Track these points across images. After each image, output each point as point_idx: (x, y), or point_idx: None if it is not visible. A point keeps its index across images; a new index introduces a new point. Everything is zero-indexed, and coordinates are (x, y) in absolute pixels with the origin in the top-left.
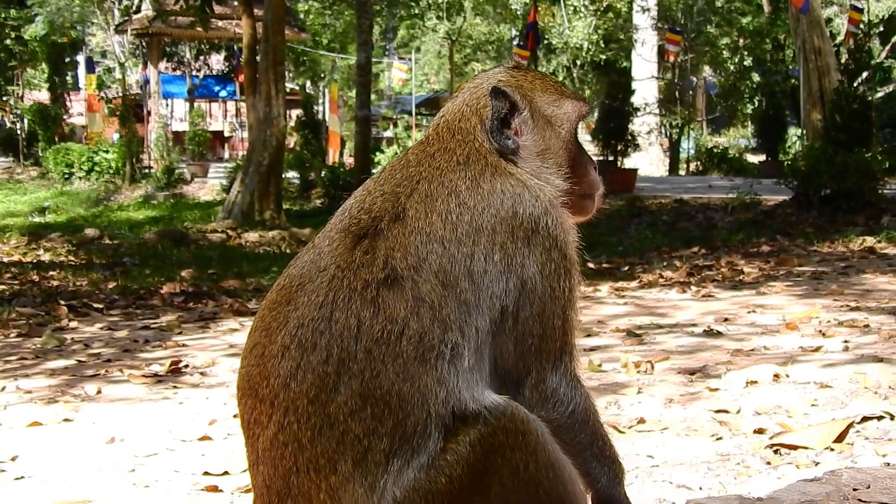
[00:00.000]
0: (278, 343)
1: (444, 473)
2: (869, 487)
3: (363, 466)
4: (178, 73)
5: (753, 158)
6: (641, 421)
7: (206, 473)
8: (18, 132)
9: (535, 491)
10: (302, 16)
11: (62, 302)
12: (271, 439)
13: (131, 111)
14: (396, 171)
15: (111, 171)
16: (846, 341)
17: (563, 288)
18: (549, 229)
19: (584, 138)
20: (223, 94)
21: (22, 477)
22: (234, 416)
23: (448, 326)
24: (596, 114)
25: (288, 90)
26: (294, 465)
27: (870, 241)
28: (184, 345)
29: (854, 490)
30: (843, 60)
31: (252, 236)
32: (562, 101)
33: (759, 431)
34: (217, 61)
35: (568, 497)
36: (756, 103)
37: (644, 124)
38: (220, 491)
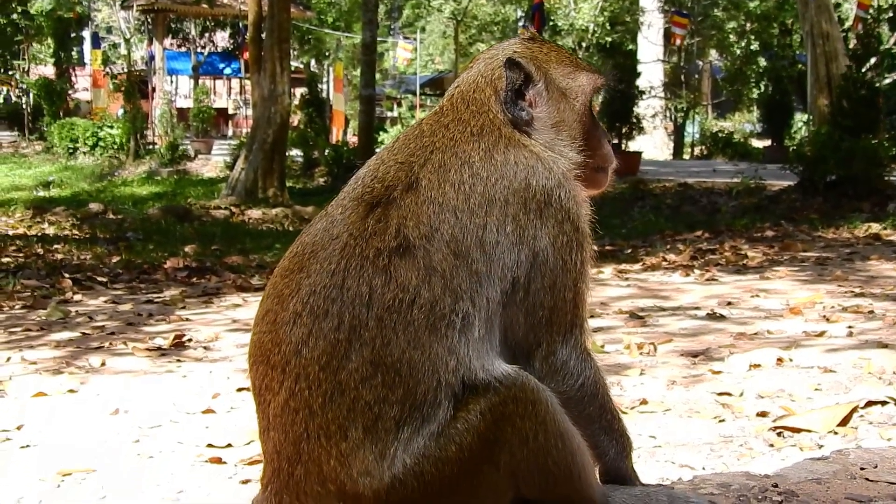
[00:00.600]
0: (290, 310)
1: (454, 441)
2: (876, 467)
3: (373, 433)
4: (183, 49)
5: (759, 143)
6: (644, 402)
7: (209, 445)
8: (24, 107)
9: (544, 460)
10: None
11: (66, 275)
12: (282, 405)
13: (136, 87)
14: (410, 141)
15: (115, 147)
16: (850, 327)
17: (575, 261)
18: (562, 202)
19: None
20: (228, 71)
21: (27, 446)
22: (238, 389)
23: (459, 296)
24: (601, 96)
25: (293, 68)
26: (305, 431)
27: (875, 227)
28: (187, 319)
29: (861, 469)
30: (851, 46)
31: (255, 213)
32: (577, 73)
33: (762, 414)
34: (222, 38)
35: (576, 467)
36: (762, 88)
37: (649, 107)
38: (224, 463)
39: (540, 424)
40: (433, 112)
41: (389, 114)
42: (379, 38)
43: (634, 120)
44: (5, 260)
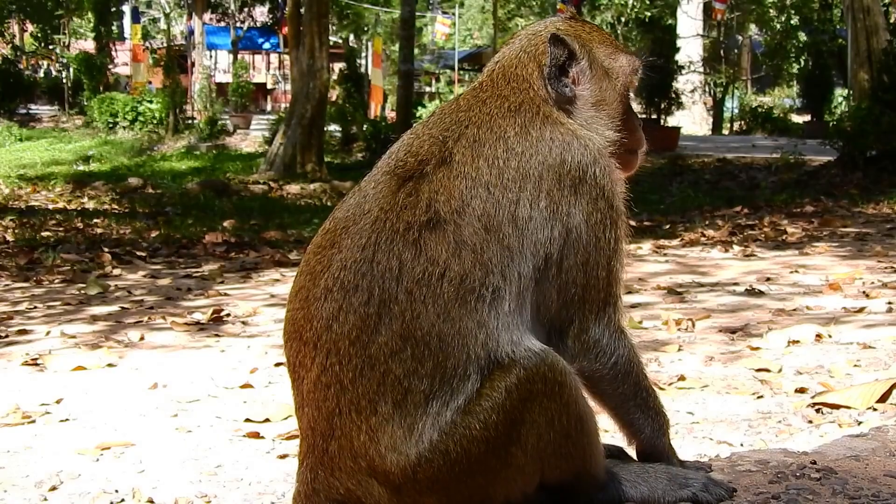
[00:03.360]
0: (321, 286)
1: (478, 419)
2: None
3: (403, 408)
4: (223, 24)
5: (798, 118)
6: (682, 378)
7: (247, 420)
8: (64, 81)
9: (565, 443)
10: None
11: (106, 249)
12: (315, 381)
13: (175, 62)
14: (446, 116)
15: (155, 122)
16: (890, 303)
17: (609, 238)
18: (597, 178)
19: None
20: (267, 46)
21: (66, 419)
22: (276, 364)
23: (490, 270)
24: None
25: (331, 43)
26: (337, 406)
27: None
28: (225, 294)
29: None
30: (892, 20)
31: (293, 188)
32: (617, 54)
33: (801, 391)
34: (261, 13)
35: (589, 449)
36: (802, 63)
37: (688, 82)
38: (262, 437)
39: (564, 406)
40: (472, 87)
41: (428, 89)
42: (417, 13)
43: (673, 95)
44: (45, 234)
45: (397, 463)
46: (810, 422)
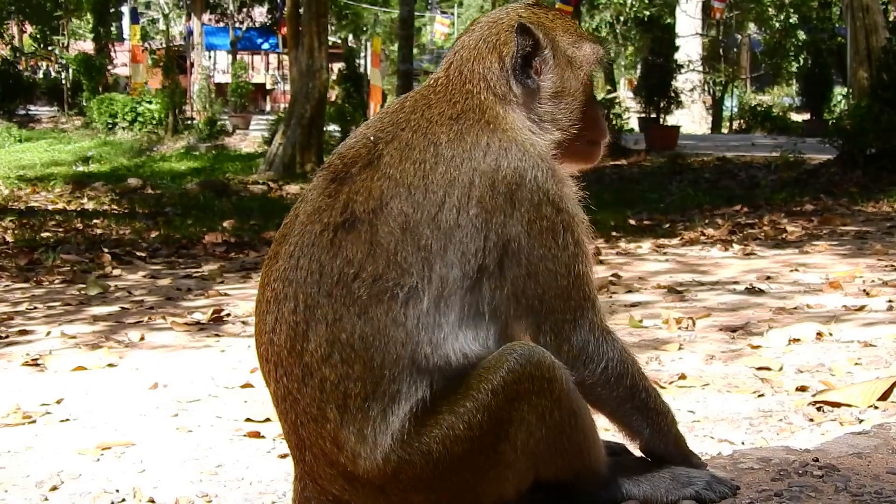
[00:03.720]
0: (265, 298)
1: (462, 419)
2: None
3: (346, 413)
4: (222, 24)
5: (798, 117)
6: (682, 377)
7: (248, 420)
8: (63, 82)
9: (559, 438)
10: None
11: (105, 250)
12: (274, 394)
13: (174, 62)
14: (386, 116)
15: (154, 122)
16: (890, 301)
17: (563, 244)
18: (539, 182)
19: (627, 95)
20: (266, 46)
21: (67, 419)
22: None
23: (405, 270)
24: (638, 70)
25: (330, 43)
26: (296, 417)
27: None
28: (225, 294)
29: None
30: (891, 18)
31: (293, 188)
32: (581, 42)
33: (802, 389)
34: (260, 13)
35: (586, 445)
36: (801, 61)
37: (687, 81)
38: (262, 437)
39: (555, 402)
40: (426, 84)
41: None
42: (416, 13)
43: (673, 94)
44: (45, 235)
45: (369, 467)
46: (811, 420)
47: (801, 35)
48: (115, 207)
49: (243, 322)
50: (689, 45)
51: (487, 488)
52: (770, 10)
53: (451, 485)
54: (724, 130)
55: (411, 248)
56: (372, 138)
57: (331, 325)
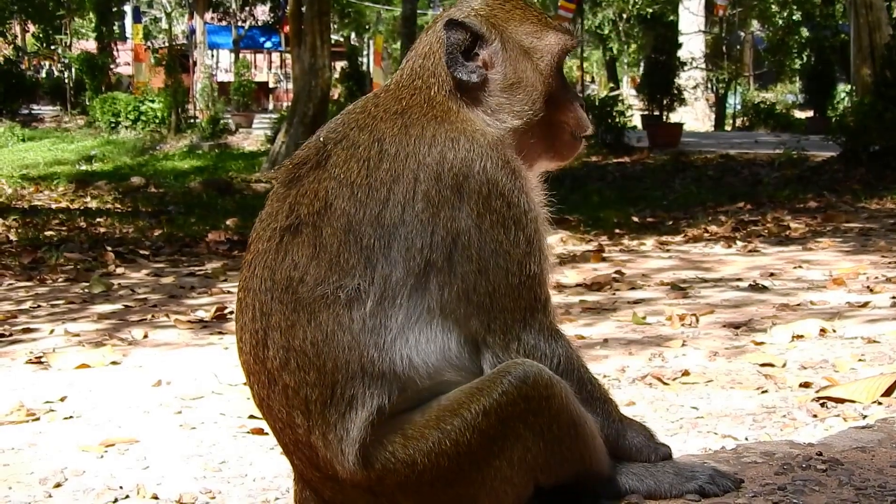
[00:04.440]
0: (239, 307)
1: (449, 437)
2: None
3: (310, 419)
4: (224, 23)
5: (801, 114)
6: (686, 373)
7: (251, 417)
8: (66, 81)
9: (558, 449)
10: None
11: (109, 248)
12: (254, 400)
13: (177, 61)
14: (340, 117)
15: (157, 121)
16: (894, 297)
17: (515, 240)
18: (488, 173)
19: (630, 92)
20: (268, 44)
21: (71, 416)
22: None
23: (346, 272)
24: (641, 68)
25: (333, 42)
26: (275, 422)
27: None
28: (228, 292)
29: None
30: (894, 15)
31: None
32: (545, 31)
33: (805, 385)
34: (262, 12)
35: (587, 451)
36: (804, 58)
37: (690, 79)
38: (266, 434)
39: (553, 417)
40: (385, 84)
41: None
42: (419, 11)
43: (675, 91)
44: (49, 233)
45: (348, 473)
46: (815, 416)
47: (805, 32)
48: (119, 206)
49: None
50: (692, 43)
51: (483, 500)
52: (773, 6)
53: (443, 495)
54: (728, 128)
55: (354, 248)
56: (322, 139)
57: (284, 331)
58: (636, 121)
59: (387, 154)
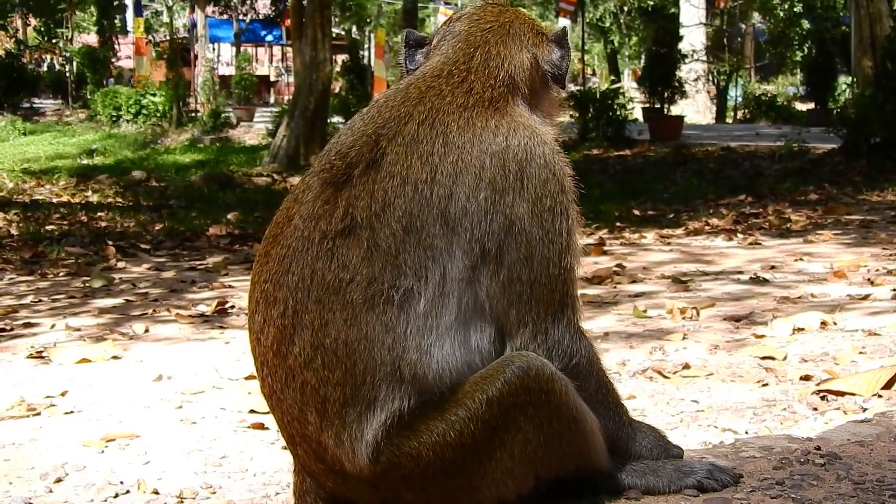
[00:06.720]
0: (255, 297)
1: (453, 428)
2: None
3: (324, 417)
4: (225, 17)
5: (802, 106)
6: (686, 367)
7: (252, 411)
8: (67, 75)
9: (559, 443)
10: None
11: (110, 242)
12: (261, 391)
13: (178, 55)
14: (385, 110)
15: (158, 115)
16: (895, 290)
17: (560, 229)
18: (546, 158)
19: (631, 85)
20: (269, 38)
21: (71, 411)
22: None
23: (402, 272)
24: (642, 60)
25: (334, 35)
26: (283, 416)
27: None
28: (230, 286)
29: None
30: (895, 6)
31: (297, 180)
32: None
33: (806, 378)
34: (263, 5)
35: (587, 447)
36: (805, 50)
37: (691, 71)
38: (267, 429)
39: (554, 411)
40: (429, 74)
41: None
42: (420, 4)
43: (677, 84)
44: (50, 227)
45: (355, 468)
46: (815, 409)
47: (806, 24)
48: (120, 200)
49: (247, 314)
50: (693, 35)
51: (485, 492)
52: None
53: (445, 487)
54: (729, 120)
55: (414, 248)
56: (373, 135)
57: (316, 330)
58: (637, 113)
59: (453, 146)
